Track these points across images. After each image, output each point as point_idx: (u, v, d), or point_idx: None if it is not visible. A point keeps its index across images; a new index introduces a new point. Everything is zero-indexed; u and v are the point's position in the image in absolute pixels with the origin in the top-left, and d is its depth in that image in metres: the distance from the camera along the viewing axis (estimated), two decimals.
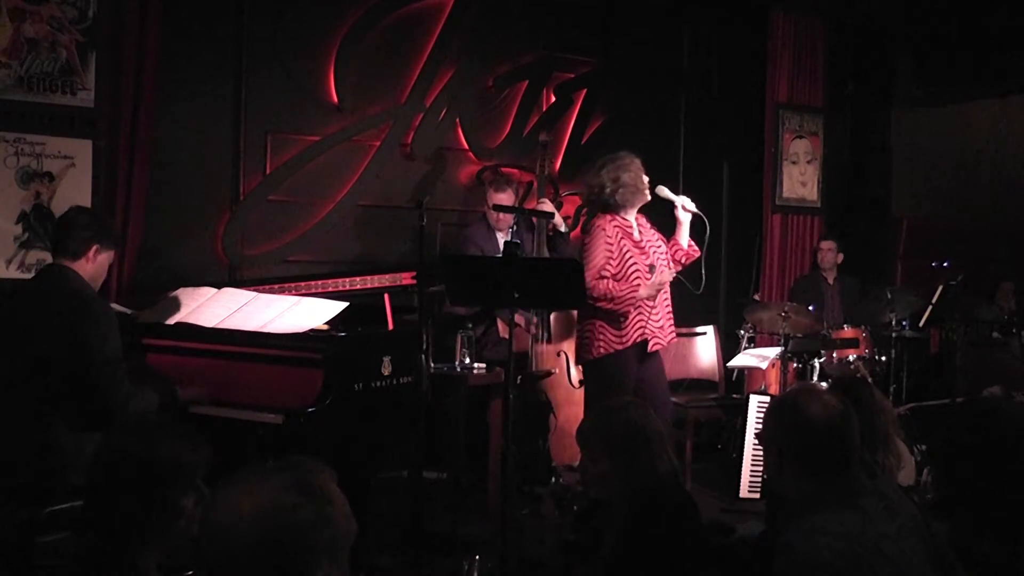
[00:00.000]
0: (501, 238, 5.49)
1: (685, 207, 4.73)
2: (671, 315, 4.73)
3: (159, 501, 1.96)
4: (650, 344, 4.59)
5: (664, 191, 4.73)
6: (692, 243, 4.79)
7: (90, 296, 3.46)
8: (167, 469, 1.97)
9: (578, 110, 6.67)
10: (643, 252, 4.61)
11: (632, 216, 4.68)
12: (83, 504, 2.04)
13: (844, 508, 2.21)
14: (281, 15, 5.65)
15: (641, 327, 4.56)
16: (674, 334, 4.77)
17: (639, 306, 4.54)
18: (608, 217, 4.63)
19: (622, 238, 4.58)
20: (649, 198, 4.69)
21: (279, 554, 1.52)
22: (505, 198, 5.43)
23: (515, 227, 5.52)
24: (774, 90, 7.31)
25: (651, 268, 4.59)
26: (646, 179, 4.67)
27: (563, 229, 5.47)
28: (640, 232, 4.68)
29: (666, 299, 4.70)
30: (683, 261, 4.80)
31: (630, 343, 4.54)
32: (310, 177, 5.73)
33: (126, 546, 1.94)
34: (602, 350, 4.56)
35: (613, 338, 4.55)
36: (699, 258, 4.78)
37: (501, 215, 5.44)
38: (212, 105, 5.49)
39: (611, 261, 4.53)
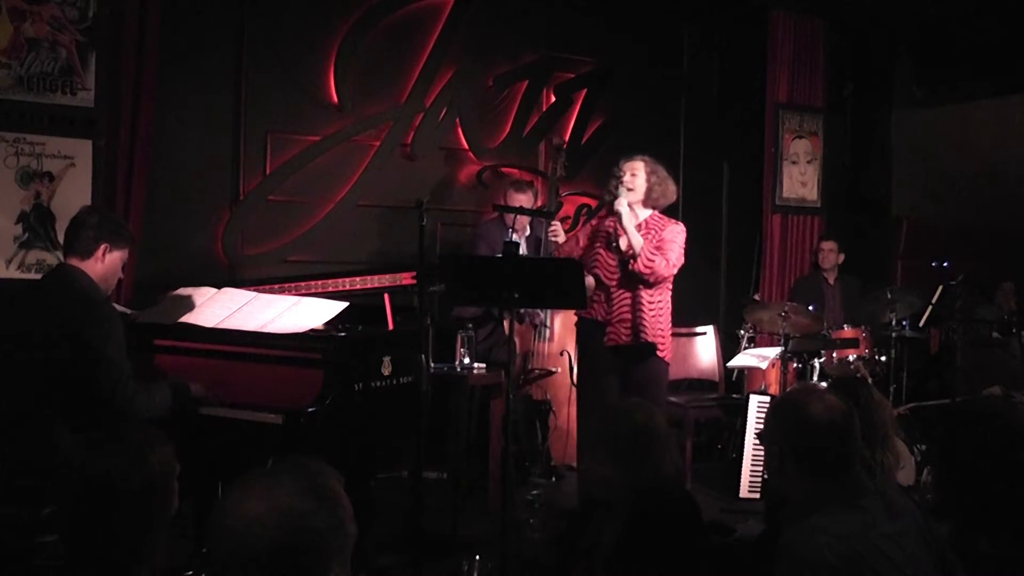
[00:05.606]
0: (516, 239, 5.43)
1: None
2: (639, 318, 4.44)
3: (145, 518, 1.88)
4: (606, 335, 4.49)
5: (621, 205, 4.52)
6: (647, 254, 4.39)
7: (95, 297, 3.45)
8: (141, 486, 1.88)
9: (578, 110, 6.67)
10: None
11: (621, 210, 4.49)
12: (62, 535, 1.92)
13: (845, 508, 2.21)
14: (281, 15, 5.65)
15: (592, 308, 4.51)
16: (636, 338, 4.43)
17: (596, 291, 4.52)
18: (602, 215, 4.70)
19: (597, 233, 4.62)
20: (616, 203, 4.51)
21: (295, 560, 1.51)
22: (525, 200, 5.43)
23: (530, 230, 5.50)
24: (774, 90, 7.31)
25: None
26: (621, 187, 4.48)
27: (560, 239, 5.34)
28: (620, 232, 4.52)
29: (628, 300, 4.46)
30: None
31: (585, 315, 4.57)
32: (310, 177, 5.74)
33: (118, 566, 1.87)
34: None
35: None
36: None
37: (520, 216, 5.33)
38: (212, 105, 5.50)
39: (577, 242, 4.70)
